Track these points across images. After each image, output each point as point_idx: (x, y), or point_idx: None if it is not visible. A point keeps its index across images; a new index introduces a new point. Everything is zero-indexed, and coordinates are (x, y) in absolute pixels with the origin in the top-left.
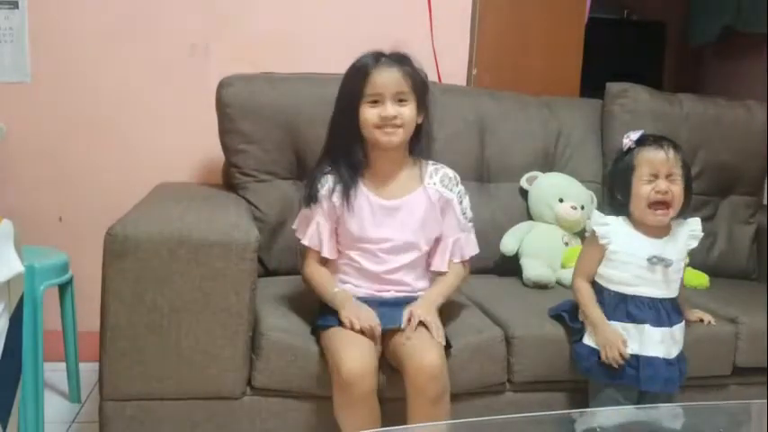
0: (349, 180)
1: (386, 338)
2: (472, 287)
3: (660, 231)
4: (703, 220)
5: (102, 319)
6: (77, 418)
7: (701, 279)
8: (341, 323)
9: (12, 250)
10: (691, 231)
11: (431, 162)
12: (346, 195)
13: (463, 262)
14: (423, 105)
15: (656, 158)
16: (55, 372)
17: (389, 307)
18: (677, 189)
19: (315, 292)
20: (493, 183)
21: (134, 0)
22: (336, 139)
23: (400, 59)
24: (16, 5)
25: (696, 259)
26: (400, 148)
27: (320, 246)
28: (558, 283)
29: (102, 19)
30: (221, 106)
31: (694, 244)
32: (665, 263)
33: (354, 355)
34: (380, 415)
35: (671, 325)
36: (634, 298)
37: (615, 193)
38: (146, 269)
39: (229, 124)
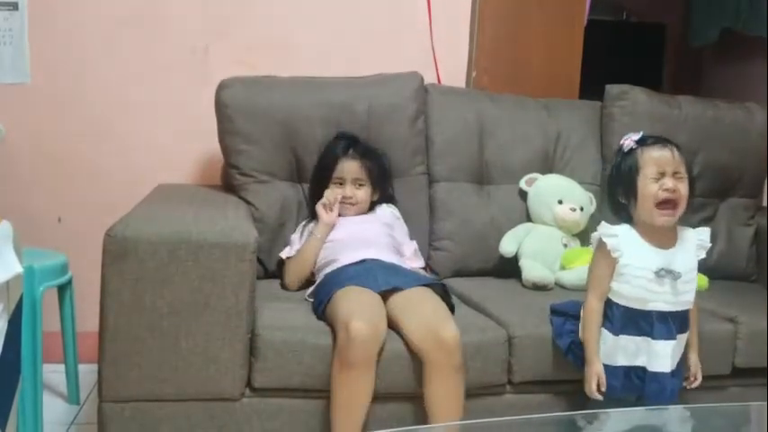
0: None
1: (384, 297)
2: (471, 288)
3: (668, 241)
4: (702, 221)
5: (101, 321)
6: (76, 420)
7: (700, 281)
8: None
9: (11, 251)
10: (699, 241)
11: (385, 204)
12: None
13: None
14: (378, 186)
15: (662, 157)
16: (54, 373)
17: (387, 269)
18: (683, 188)
19: (302, 265)
20: (492, 184)
21: (134, 2)
22: (313, 200)
23: (364, 152)
24: (16, 7)
25: None
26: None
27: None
28: (558, 284)
29: (103, 20)
30: (220, 107)
31: (702, 254)
32: (673, 275)
33: (365, 315)
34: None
35: (678, 335)
36: (644, 312)
37: (618, 196)
38: (145, 270)
39: (228, 125)
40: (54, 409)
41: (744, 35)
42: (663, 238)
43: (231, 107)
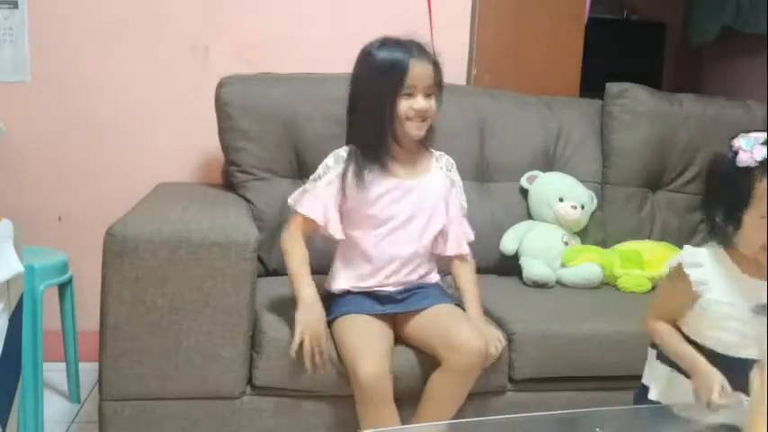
0: (377, 159)
1: (401, 320)
2: None
3: (761, 269)
4: (703, 220)
5: (101, 319)
6: (77, 419)
7: None
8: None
9: (11, 250)
10: None
11: (432, 149)
12: (361, 175)
13: (463, 256)
14: (440, 98)
15: None
16: (54, 372)
17: (402, 294)
18: None
19: (286, 264)
20: (493, 182)
21: (134, 0)
22: (364, 127)
23: (427, 53)
24: (16, 5)
25: None
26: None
27: (324, 220)
28: (558, 282)
29: (102, 19)
30: (220, 104)
31: None
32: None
33: (369, 354)
34: (398, 415)
35: None
36: (734, 360)
37: (716, 214)
38: (145, 269)
39: (228, 122)
40: (54, 408)
41: (744, 33)
42: (758, 264)
43: (231, 104)
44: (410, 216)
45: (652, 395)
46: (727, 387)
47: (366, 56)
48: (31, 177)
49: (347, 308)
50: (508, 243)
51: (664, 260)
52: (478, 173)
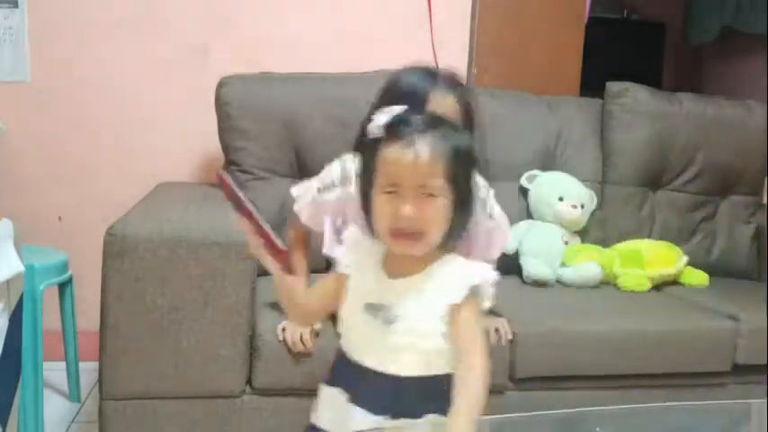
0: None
1: None
2: None
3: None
4: (703, 219)
5: (101, 319)
6: (77, 418)
7: (700, 278)
8: None
9: (11, 250)
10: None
11: None
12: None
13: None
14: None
15: None
16: (55, 371)
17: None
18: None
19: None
20: (493, 181)
21: (134, 0)
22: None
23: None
24: (16, 5)
25: (696, 258)
26: None
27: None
28: (558, 281)
29: (102, 19)
30: (220, 104)
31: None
32: (385, 313)
33: None
34: None
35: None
36: (356, 366)
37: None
38: (145, 269)
39: (228, 121)
40: (55, 407)
41: (744, 33)
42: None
43: (231, 104)
44: None
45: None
46: None
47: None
48: (31, 177)
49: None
50: (508, 242)
51: (664, 260)
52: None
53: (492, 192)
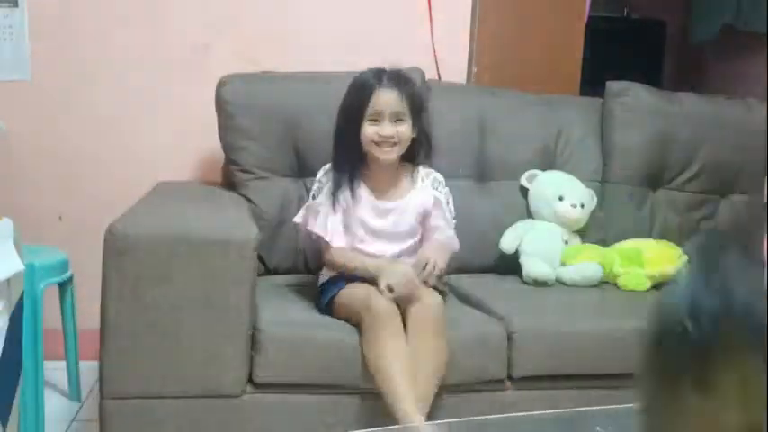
0: (350, 181)
1: None
2: (472, 285)
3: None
4: (703, 218)
5: (102, 318)
6: (77, 417)
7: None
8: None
9: (12, 249)
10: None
11: (421, 167)
12: (351, 191)
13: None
14: (417, 121)
15: None
16: (55, 370)
17: None
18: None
19: (345, 270)
20: (492, 181)
21: None
22: (338, 148)
23: (399, 79)
24: (16, 4)
25: None
26: (396, 160)
27: (328, 234)
28: (558, 280)
29: (102, 17)
30: (221, 103)
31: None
32: None
33: (380, 297)
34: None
35: None
36: None
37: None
38: (146, 267)
39: (229, 121)
40: (55, 406)
41: (745, 32)
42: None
43: (231, 103)
44: (389, 234)
45: None
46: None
47: (350, 83)
48: (32, 176)
49: (343, 283)
50: (508, 242)
51: (664, 259)
52: (478, 171)
53: (447, 189)
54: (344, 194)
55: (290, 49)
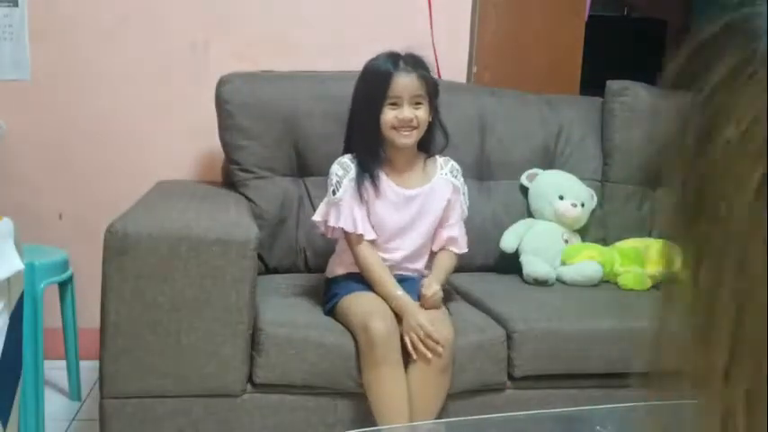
0: (373, 169)
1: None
2: (472, 284)
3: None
4: None
5: (102, 317)
6: (78, 416)
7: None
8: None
9: (12, 248)
10: None
11: (438, 155)
12: (372, 182)
13: (450, 250)
14: (433, 105)
15: None
16: (55, 369)
17: (402, 283)
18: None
19: (372, 280)
20: (493, 180)
21: None
22: (357, 136)
23: (416, 63)
24: (16, 3)
25: None
26: (414, 144)
27: (353, 227)
28: (558, 279)
29: (103, 17)
30: (221, 103)
31: None
32: None
33: (380, 315)
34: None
35: None
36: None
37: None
38: (146, 267)
39: (229, 120)
40: (55, 406)
41: None
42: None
43: (231, 103)
44: (410, 224)
45: None
46: None
47: (363, 69)
48: (32, 175)
49: (351, 287)
50: (508, 241)
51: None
52: (478, 171)
53: (463, 180)
54: (368, 184)
55: (290, 48)
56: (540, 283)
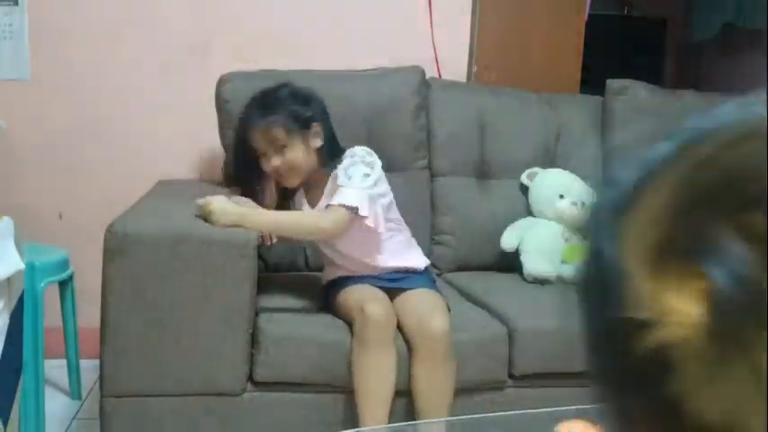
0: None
1: (391, 297)
2: (473, 282)
3: None
4: None
5: (102, 316)
6: (78, 415)
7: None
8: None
9: (12, 247)
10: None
11: (339, 166)
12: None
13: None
14: (309, 134)
15: None
16: (55, 368)
17: (393, 276)
18: None
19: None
20: (493, 179)
21: None
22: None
23: (265, 107)
24: (16, 3)
25: None
26: (306, 176)
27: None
28: (559, 278)
29: (103, 16)
30: (221, 102)
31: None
32: None
33: (377, 302)
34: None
35: None
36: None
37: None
38: (146, 266)
39: (229, 120)
40: (56, 405)
41: (745, 29)
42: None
43: (231, 102)
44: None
45: None
46: None
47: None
48: (32, 174)
49: (347, 283)
50: (508, 240)
51: None
52: (479, 170)
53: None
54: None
55: (289, 48)
56: (541, 281)
